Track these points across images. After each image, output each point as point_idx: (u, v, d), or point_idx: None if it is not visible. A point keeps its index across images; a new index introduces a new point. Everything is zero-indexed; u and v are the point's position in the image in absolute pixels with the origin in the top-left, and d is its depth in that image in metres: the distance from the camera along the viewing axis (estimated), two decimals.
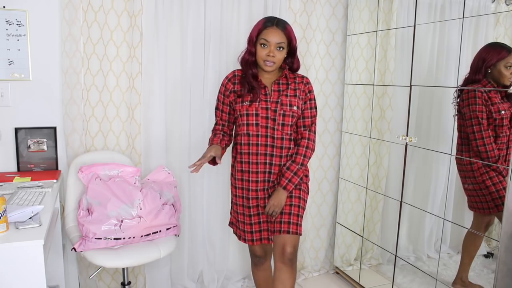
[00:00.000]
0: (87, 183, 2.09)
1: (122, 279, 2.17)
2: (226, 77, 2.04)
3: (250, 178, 1.98)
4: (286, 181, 1.93)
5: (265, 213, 1.95)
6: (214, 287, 2.71)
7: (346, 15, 2.83)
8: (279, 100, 1.94)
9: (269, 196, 1.99)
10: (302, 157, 1.96)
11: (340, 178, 2.97)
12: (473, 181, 2.21)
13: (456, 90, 2.23)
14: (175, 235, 2.20)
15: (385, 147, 2.81)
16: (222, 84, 2.04)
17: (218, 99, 2.07)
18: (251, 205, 2.01)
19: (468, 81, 2.19)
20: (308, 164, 2.05)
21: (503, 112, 2.11)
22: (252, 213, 2.02)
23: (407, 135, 2.40)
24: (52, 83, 2.29)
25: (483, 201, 2.21)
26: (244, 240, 2.09)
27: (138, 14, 2.31)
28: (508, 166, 1.90)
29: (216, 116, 2.09)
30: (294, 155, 1.97)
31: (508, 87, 2.11)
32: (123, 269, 2.15)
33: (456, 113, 2.24)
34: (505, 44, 2.15)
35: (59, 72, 2.29)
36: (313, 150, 2.01)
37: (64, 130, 2.32)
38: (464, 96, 2.19)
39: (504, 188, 1.99)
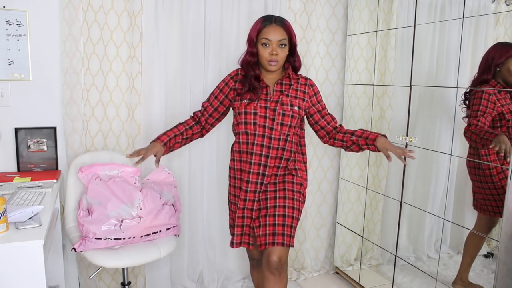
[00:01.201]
0: (87, 183, 2.09)
1: (122, 279, 2.17)
2: (229, 75, 2.01)
3: (242, 177, 1.95)
4: (374, 133, 1.94)
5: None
6: (214, 287, 2.71)
7: (346, 15, 2.83)
8: (280, 99, 1.91)
9: (259, 200, 1.93)
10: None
11: (340, 178, 2.97)
12: (491, 185, 2.17)
13: (464, 93, 2.20)
14: (175, 235, 2.20)
15: None
16: (223, 81, 2.01)
17: (212, 92, 2.03)
18: (239, 206, 1.97)
19: (476, 82, 2.17)
20: (307, 169, 2.06)
21: None
22: (238, 215, 1.97)
23: (407, 135, 2.40)
24: (52, 83, 2.29)
25: (493, 206, 2.19)
26: (239, 244, 2.00)
27: (138, 14, 2.31)
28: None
29: (202, 105, 2.05)
30: (351, 134, 1.98)
31: None
32: (123, 269, 2.15)
33: (466, 115, 2.21)
34: (510, 43, 2.13)
35: (59, 72, 2.29)
36: None
37: (64, 130, 2.32)
38: (472, 97, 2.17)
39: None
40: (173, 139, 1.96)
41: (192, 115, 2.08)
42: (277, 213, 1.88)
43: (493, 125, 2.14)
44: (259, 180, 1.93)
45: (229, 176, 2.05)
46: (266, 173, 1.92)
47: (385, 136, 1.93)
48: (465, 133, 2.17)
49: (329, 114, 2.04)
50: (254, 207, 1.94)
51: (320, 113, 2.01)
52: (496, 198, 2.16)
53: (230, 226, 2.09)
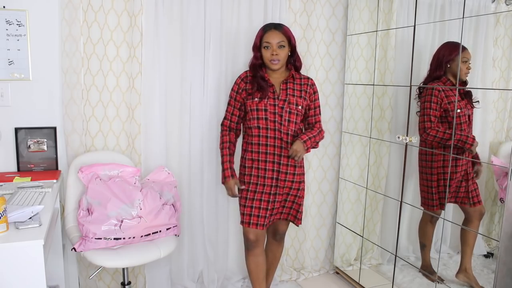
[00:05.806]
0: (87, 183, 2.09)
1: (122, 279, 2.17)
2: (239, 77, 2.27)
3: (254, 165, 2.19)
4: (306, 137, 2.16)
5: (289, 157, 2.16)
6: (214, 287, 2.71)
7: (346, 15, 2.83)
8: (287, 98, 2.18)
9: (277, 186, 2.20)
10: (317, 131, 2.24)
11: (340, 178, 2.97)
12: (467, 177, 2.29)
13: (417, 88, 2.37)
14: (175, 235, 2.20)
15: (385, 147, 2.81)
16: (236, 83, 2.27)
17: (230, 96, 2.28)
18: (258, 190, 2.20)
19: (429, 79, 2.33)
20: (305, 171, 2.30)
21: (459, 110, 2.23)
22: (256, 198, 2.20)
23: (407, 135, 2.40)
24: (52, 83, 2.29)
25: (474, 196, 2.31)
26: (248, 224, 2.20)
27: (138, 14, 2.31)
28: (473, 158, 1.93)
29: (227, 111, 2.30)
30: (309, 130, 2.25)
31: (466, 82, 2.22)
32: (123, 269, 2.15)
33: (419, 110, 2.38)
34: (459, 42, 2.20)
35: (59, 72, 2.29)
36: (323, 137, 2.30)
37: (64, 130, 2.32)
38: (423, 93, 2.35)
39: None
40: (232, 163, 2.27)
41: (222, 127, 2.31)
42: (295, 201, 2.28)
43: (441, 121, 2.30)
44: (275, 168, 2.18)
45: (241, 165, 2.27)
46: (282, 161, 2.18)
47: (305, 144, 2.15)
48: (422, 134, 2.35)
49: (316, 115, 2.29)
50: (272, 192, 2.20)
51: (308, 112, 2.27)
52: (473, 188, 2.31)
53: (246, 207, 2.22)
